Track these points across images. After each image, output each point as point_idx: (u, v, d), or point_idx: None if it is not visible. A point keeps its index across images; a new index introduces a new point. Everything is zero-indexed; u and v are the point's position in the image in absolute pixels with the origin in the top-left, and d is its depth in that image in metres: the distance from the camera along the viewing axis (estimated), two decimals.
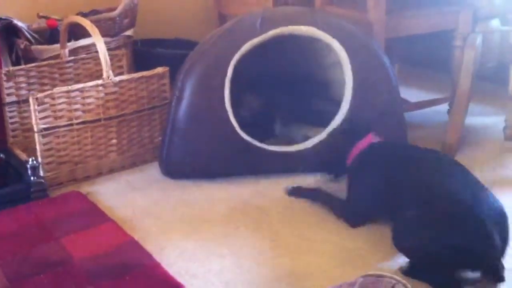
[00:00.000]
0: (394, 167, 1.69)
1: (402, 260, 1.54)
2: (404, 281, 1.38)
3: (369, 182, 1.73)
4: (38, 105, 1.92)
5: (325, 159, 1.97)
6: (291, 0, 2.57)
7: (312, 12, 2.21)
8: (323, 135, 2.03)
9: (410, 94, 2.60)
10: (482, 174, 2.00)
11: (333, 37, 2.01)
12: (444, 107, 2.48)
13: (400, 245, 1.54)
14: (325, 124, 2.05)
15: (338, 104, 2.05)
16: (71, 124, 1.99)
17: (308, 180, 2.00)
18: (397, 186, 1.64)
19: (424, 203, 1.52)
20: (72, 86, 1.99)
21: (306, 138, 2.09)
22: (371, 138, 1.82)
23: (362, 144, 1.81)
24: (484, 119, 2.47)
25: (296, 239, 1.68)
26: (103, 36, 2.09)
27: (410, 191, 1.59)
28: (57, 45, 2.28)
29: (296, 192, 1.92)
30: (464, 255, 1.41)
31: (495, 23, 2.41)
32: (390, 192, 1.66)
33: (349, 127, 1.91)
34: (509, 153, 2.17)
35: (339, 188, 1.91)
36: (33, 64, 2.22)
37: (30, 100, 1.91)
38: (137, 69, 2.36)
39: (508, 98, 2.22)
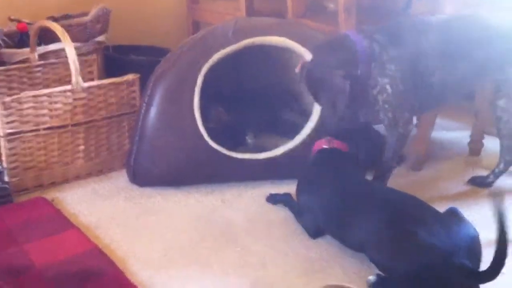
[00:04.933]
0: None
1: (366, 270, 1.56)
2: None
3: (315, 194, 1.74)
4: (5, 109, 1.89)
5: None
6: (264, 11, 2.59)
7: (284, 23, 2.23)
8: (292, 143, 2.04)
9: None
10: (447, 187, 2.05)
11: (305, 48, 2.03)
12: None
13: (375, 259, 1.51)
14: (296, 134, 2.06)
15: (308, 115, 2.07)
16: (38, 130, 1.97)
17: (278, 189, 1.99)
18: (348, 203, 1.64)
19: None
20: (40, 91, 1.97)
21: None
22: (322, 144, 1.83)
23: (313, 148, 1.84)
24: (450, 133, 2.51)
25: (261, 249, 1.68)
26: (74, 41, 2.07)
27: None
28: (27, 49, 2.26)
29: (271, 199, 1.94)
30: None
31: None
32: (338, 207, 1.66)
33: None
34: (472, 167, 2.20)
35: None
36: (1, 68, 2.20)
37: None
38: (109, 75, 2.34)
39: (474, 114, 2.27)
